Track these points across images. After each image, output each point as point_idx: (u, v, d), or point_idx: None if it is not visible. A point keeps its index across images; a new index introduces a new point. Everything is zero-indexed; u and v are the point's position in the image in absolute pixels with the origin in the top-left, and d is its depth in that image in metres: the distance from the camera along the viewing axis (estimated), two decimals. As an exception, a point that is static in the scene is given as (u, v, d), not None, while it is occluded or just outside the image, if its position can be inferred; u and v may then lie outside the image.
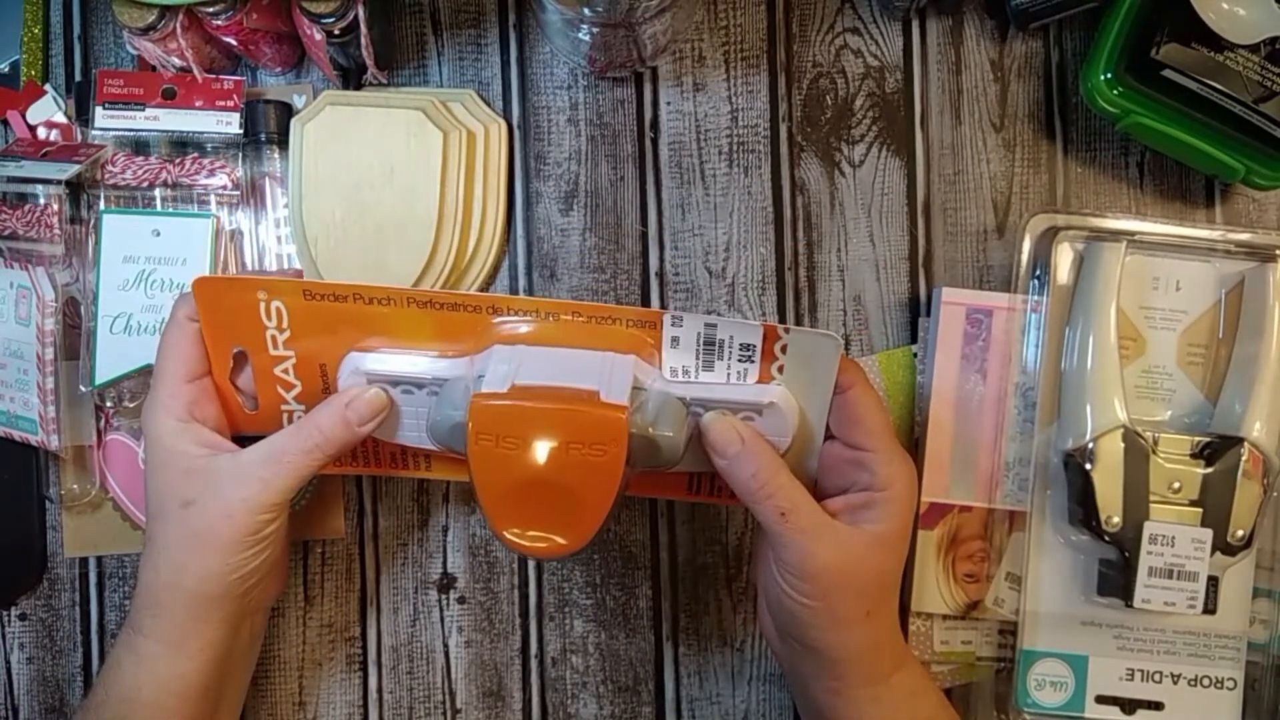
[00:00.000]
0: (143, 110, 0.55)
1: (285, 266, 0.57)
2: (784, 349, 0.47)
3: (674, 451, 0.46)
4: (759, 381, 0.48)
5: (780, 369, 0.48)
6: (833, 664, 0.47)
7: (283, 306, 0.47)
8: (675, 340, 0.48)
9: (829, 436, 0.49)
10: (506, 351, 0.47)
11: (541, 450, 0.44)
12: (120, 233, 0.55)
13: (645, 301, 0.59)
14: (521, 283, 0.59)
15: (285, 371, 0.49)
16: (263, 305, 0.47)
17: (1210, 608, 0.52)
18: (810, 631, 0.46)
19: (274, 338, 0.48)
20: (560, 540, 0.45)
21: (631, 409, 0.45)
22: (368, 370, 0.48)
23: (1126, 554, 0.52)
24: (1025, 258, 0.55)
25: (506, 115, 0.59)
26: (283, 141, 0.56)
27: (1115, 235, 0.54)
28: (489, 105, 0.59)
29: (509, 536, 0.45)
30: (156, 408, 0.48)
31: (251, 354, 0.49)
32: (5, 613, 0.58)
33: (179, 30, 0.52)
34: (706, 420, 0.47)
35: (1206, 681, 0.54)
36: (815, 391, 0.48)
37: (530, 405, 0.44)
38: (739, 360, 0.48)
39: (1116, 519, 0.52)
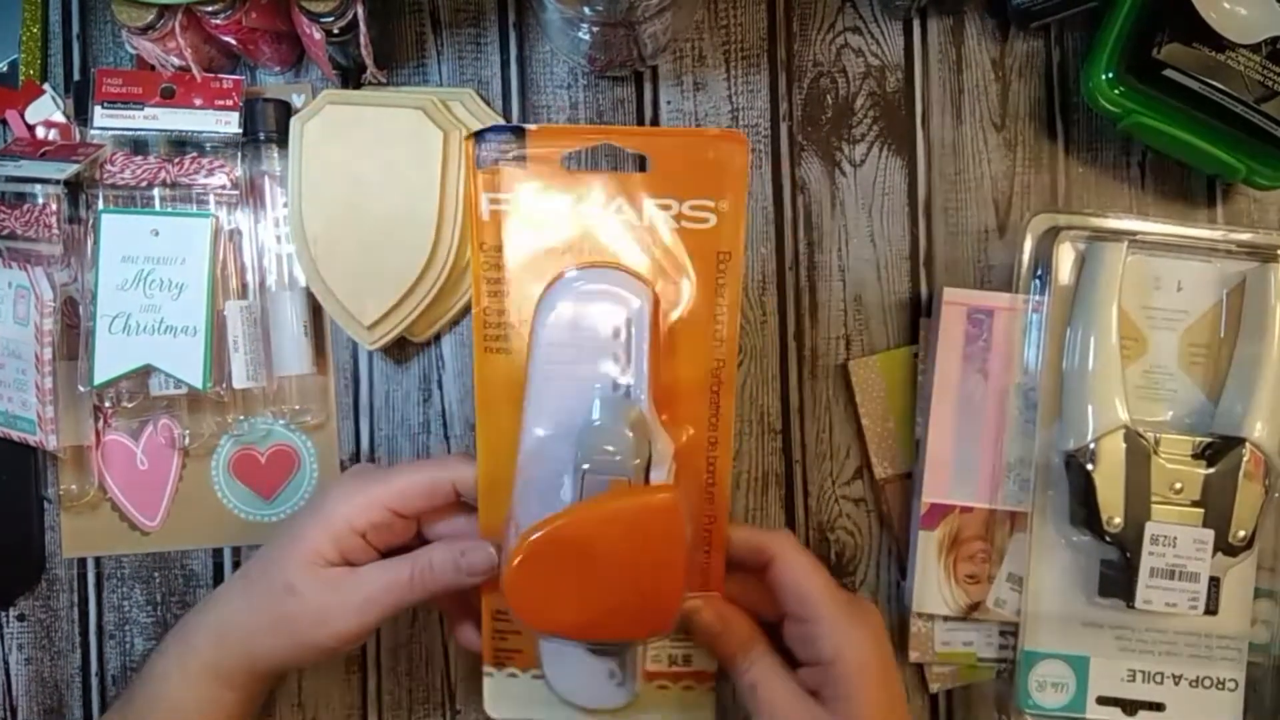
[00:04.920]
0: (141, 109, 0.55)
1: (284, 265, 0.57)
2: None
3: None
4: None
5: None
6: None
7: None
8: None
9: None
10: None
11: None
12: (119, 232, 0.55)
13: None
14: (521, 282, 0.59)
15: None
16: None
17: (1212, 608, 0.52)
18: None
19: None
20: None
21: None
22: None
23: (1128, 555, 0.52)
24: (1026, 258, 0.55)
25: (506, 114, 0.59)
26: (282, 141, 0.56)
27: (1117, 235, 0.54)
28: (489, 104, 0.58)
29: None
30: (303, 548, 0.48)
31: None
32: (3, 613, 0.58)
33: (178, 29, 0.52)
34: (693, 606, 0.47)
35: (1208, 682, 0.54)
36: None
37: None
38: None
39: (1118, 520, 0.51)
